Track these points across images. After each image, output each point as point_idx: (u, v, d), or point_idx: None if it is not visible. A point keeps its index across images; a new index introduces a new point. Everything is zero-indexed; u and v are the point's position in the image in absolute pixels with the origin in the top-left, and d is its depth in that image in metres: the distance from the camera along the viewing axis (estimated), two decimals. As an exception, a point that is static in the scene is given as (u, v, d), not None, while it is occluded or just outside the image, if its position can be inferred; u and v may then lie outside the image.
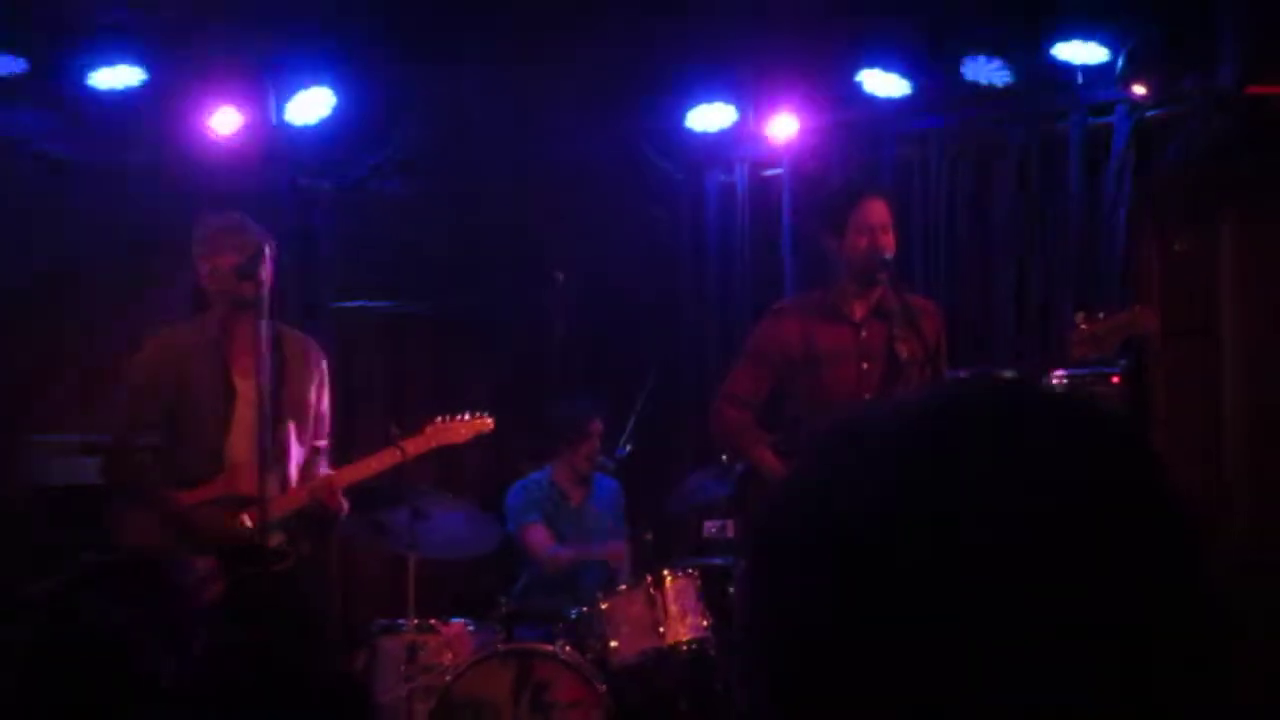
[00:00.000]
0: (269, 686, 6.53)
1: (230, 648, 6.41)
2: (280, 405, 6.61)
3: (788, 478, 1.32)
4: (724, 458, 7.86)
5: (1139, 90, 8.10)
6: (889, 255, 6.74)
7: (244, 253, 6.51)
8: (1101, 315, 6.79)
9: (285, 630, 6.63)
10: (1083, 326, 6.60)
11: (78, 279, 8.69)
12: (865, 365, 6.83)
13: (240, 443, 6.58)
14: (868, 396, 6.73)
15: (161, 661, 6.44)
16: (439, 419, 7.14)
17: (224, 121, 8.75)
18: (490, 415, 7.36)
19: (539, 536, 8.64)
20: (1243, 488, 7.54)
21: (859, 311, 6.88)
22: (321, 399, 6.97)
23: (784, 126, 9.18)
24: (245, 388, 6.60)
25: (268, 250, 6.50)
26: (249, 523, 6.48)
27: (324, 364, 7.04)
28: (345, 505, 6.79)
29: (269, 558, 6.55)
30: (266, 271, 6.49)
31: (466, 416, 7.23)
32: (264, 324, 6.47)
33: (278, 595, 6.59)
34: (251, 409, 6.50)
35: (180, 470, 6.63)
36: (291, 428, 6.75)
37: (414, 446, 6.99)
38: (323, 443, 6.96)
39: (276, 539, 6.59)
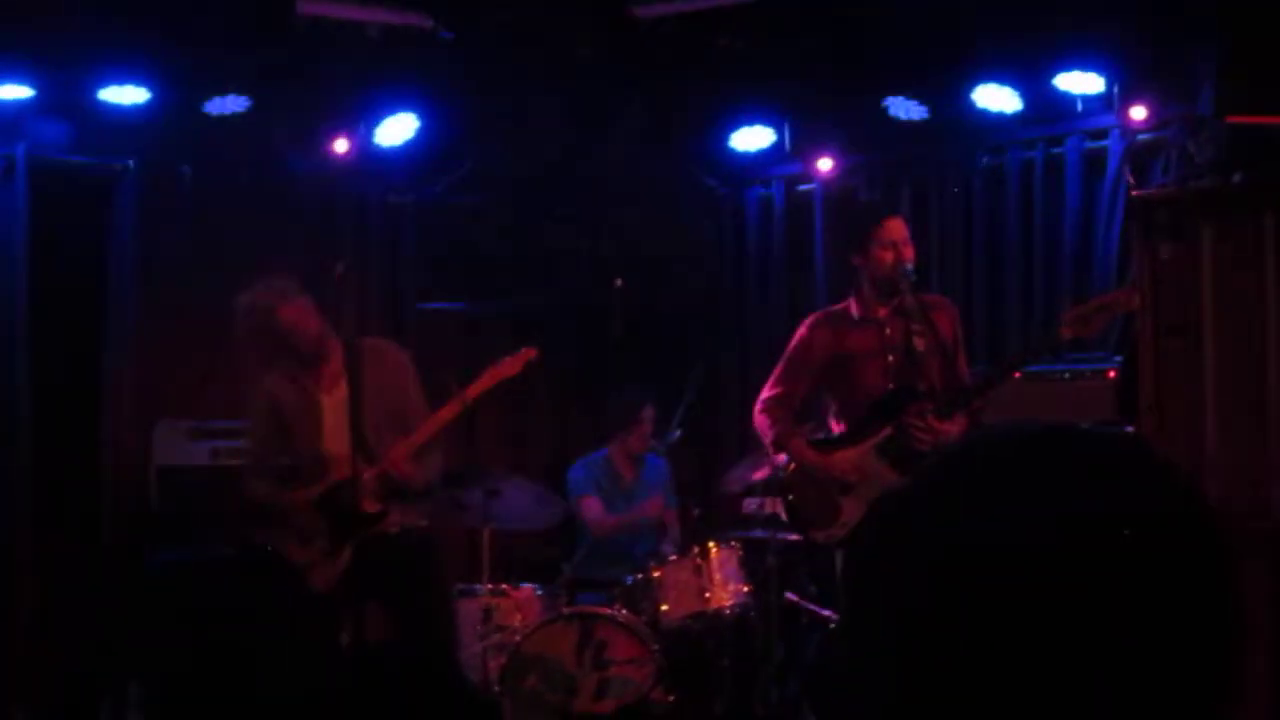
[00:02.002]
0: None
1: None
2: (360, 407, 6.83)
3: (904, 500, 1.34)
4: (763, 450, 7.74)
5: (1138, 113, 8.13)
6: (910, 267, 6.87)
7: (287, 324, 6.91)
8: (1089, 299, 7.01)
9: (397, 590, 6.98)
10: (1072, 310, 6.80)
11: (191, 282, 8.82)
12: (890, 358, 6.94)
13: (333, 443, 6.90)
14: (891, 386, 6.89)
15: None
16: (491, 363, 7.13)
17: (330, 144, 8.84)
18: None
19: (593, 508, 8.81)
20: (1219, 466, 7.84)
21: (882, 312, 7.00)
22: (406, 388, 7.14)
23: (823, 163, 9.33)
24: (329, 401, 6.98)
25: (295, 310, 6.89)
26: (365, 505, 6.79)
27: (403, 357, 7.23)
28: (411, 472, 6.91)
29: (369, 520, 6.85)
30: (308, 325, 6.92)
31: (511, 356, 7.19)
32: (335, 347, 6.96)
33: (387, 559, 6.91)
34: (337, 415, 6.86)
35: (297, 476, 7.00)
36: (377, 422, 6.94)
37: (474, 389, 7.01)
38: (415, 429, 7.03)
39: (375, 507, 6.87)
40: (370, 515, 6.83)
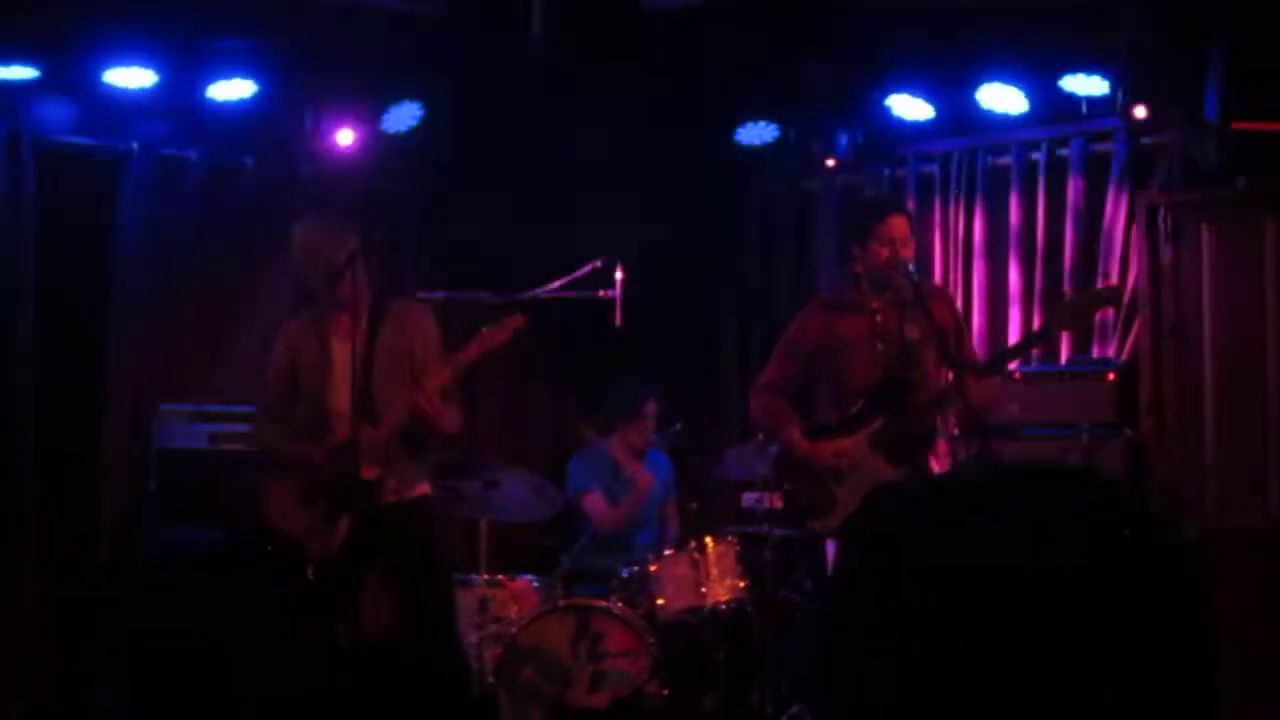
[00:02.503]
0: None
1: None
2: (371, 365, 6.73)
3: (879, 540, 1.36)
4: (760, 437, 7.96)
5: (1140, 112, 8.12)
6: (910, 265, 6.85)
7: (335, 256, 6.71)
8: (1076, 292, 7.10)
9: (400, 566, 6.88)
10: (1059, 304, 6.96)
11: (192, 265, 8.81)
12: (880, 347, 6.92)
13: (338, 398, 6.72)
14: (881, 375, 6.88)
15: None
16: (480, 330, 6.80)
17: (334, 131, 8.81)
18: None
19: (597, 504, 8.74)
20: (1218, 467, 7.88)
21: (875, 302, 6.99)
22: (424, 352, 6.91)
23: (828, 160, 9.26)
24: (340, 350, 6.74)
25: (356, 247, 6.67)
26: (363, 470, 6.57)
27: (426, 318, 7.03)
28: (444, 412, 6.69)
29: (370, 490, 6.65)
30: (359, 268, 6.68)
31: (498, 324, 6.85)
32: (360, 294, 6.70)
33: (386, 532, 6.75)
34: (346, 370, 6.63)
35: (301, 426, 6.86)
36: (386, 382, 6.77)
37: (464, 355, 6.72)
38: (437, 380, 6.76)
39: (374, 472, 6.65)
40: (368, 482, 6.65)
